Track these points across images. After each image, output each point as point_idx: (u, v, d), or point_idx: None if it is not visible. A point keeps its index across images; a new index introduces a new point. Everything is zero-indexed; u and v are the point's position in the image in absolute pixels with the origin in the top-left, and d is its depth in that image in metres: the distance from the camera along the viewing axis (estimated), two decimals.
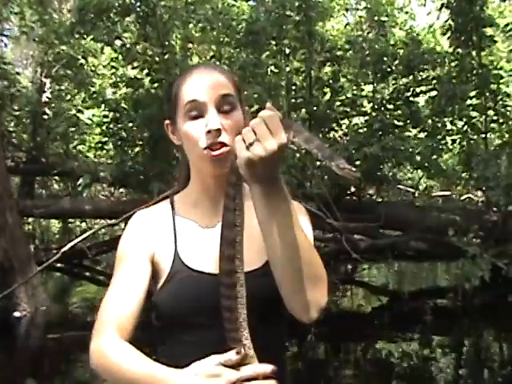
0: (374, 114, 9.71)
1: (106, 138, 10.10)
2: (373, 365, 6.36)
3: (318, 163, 9.32)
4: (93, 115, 11.90)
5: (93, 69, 11.67)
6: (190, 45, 10.41)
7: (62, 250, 6.91)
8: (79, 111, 11.15)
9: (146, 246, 1.51)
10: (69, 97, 11.66)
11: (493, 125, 10.24)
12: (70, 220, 13.30)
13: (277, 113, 1.22)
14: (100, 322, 1.44)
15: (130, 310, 1.44)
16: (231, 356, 1.24)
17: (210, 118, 1.42)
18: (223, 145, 1.43)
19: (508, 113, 10.28)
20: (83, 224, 13.29)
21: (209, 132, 1.42)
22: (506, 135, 10.13)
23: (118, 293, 1.46)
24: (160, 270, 1.50)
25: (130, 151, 9.53)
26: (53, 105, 11.52)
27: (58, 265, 10.50)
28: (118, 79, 10.22)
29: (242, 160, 1.21)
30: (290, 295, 1.33)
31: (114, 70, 10.46)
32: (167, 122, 1.58)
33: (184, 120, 1.47)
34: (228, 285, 1.29)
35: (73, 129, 10.91)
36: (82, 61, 10.70)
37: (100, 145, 10.54)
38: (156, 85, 8.88)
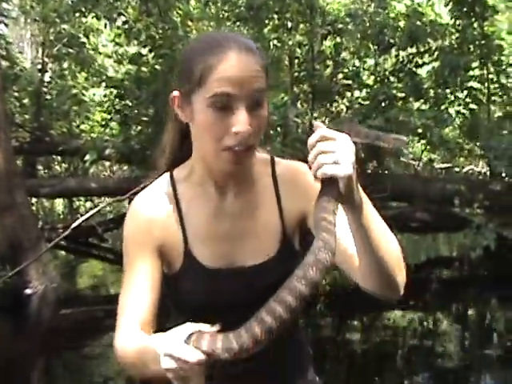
0: (376, 86, 9.72)
1: (111, 115, 10.10)
2: (380, 334, 6.44)
3: None
4: (93, 94, 11.91)
5: (94, 47, 11.64)
6: (190, 22, 10.36)
7: (72, 225, 6.97)
8: (84, 88, 11.15)
9: (153, 238, 1.45)
10: (71, 76, 11.62)
11: (494, 97, 10.28)
12: (75, 200, 13.34)
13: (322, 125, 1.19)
14: (119, 318, 1.45)
15: (146, 304, 1.43)
16: (207, 329, 1.18)
17: (241, 119, 1.28)
18: (248, 147, 1.33)
19: (510, 84, 10.31)
20: (88, 204, 13.33)
21: (236, 133, 1.30)
22: (508, 107, 10.17)
23: (133, 289, 1.45)
24: (171, 260, 1.47)
25: (134, 128, 9.55)
26: (56, 83, 11.51)
27: (65, 243, 10.55)
28: (121, 57, 10.22)
29: (347, 178, 1.14)
30: (385, 281, 1.32)
31: (116, 48, 10.44)
32: (175, 94, 1.39)
33: (206, 107, 1.31)
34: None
35: (76, 108, 10.91)
36: (84, 39, 10.68)
37: (104, 122, 10.55)
38: (160, 60, 8.86)
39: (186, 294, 1.45)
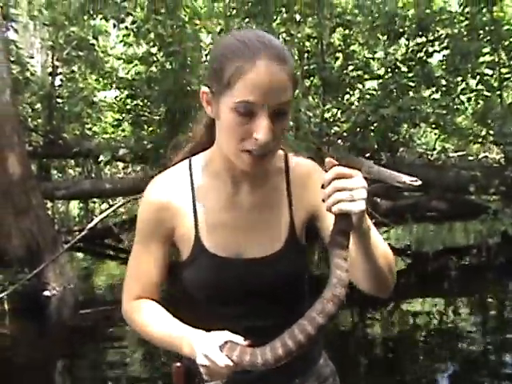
0: (387, 76, 9.69)
1: (123, 115, 10.14)
2: (400, 323, 6.44)
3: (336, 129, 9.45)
4: (105, 97, 11.96)
5: (104, 49, 11.68)
6: (198, 21, 10.37)
7: (88, 226, 7.01)
8: (95, 89, 11.19)
9: (164, 224, 1.53)
10: (82, 78, 11.67)
11: (506, 83, 10.22)
12: (90, 203, 13.40)
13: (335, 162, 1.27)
14: (127, 286, 1.62)
15: (153, 280, 1.58)
16: (240, 341, 1.35)
17: (262, 128, 1.32)
18: (267, 153, 1.39)
19: None
20: (103, 206, 13.38)
21: (256, 139, 1.34)
22: None
23: (141, 264, 1.57)
24: (181, 247, 1.55)
25: (147, 127, 9.58)
26: (67, 86, 11.55)
27: (82, 245, 10.60)
28: (130, 57, 10.26)
29: (361, 213, 1.25)
30: (379, 287, 1.46)
31: (125, 48, 10.47)
32: (205, 89, 1.43)
33: (231, 110, 1.34)
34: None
35: (88, 109, 10.94)
36: (93, 41, 10.71)
37: (116, 122, 10.60)
38: (170, 59, 8.87)
39: (193, 281, 1.52)
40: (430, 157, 11.13)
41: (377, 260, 1.39)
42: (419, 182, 1.30)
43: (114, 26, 9.52)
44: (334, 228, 1.30)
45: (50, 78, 11.82)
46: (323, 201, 1.25)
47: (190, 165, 1.56)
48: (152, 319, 1.53)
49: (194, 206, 1.51)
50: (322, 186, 1.26)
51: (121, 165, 14.18)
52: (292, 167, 1.58)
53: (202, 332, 1.40)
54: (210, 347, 1.34)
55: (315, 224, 1.56)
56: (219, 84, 1.36)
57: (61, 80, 12.01)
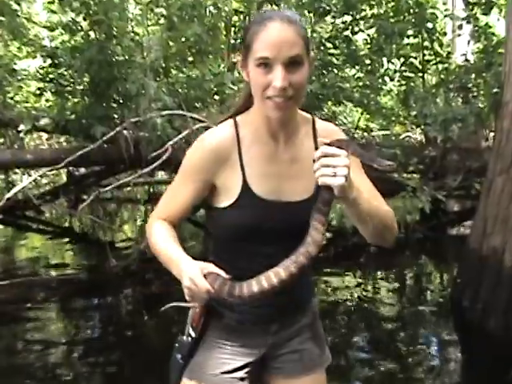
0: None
1: (46, 85, 9.89)
2: (319, 296, 6.56)
3: None
4: (28, 66, 11.62)
5: (27, 16, 11.31)
6: None
7: (6, 196, 6.87)
8: (15, 56, 10.84)
9: (210, 169, 1.80)
10: (3, 45, 11.26)
11: (429, 65, 10.45)
12: (12, 174, 13.04)
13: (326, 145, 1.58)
14: (158, 206, 1.95)
15: (178, 210, 1.90)
16: (222, 274, 1.65)
17: (277, 76, 1.63)
18: (287, 98, 1.66)
19: (443, 52, 10.50)
20: (25, 177, 13.04)
21: (274, 87, 1.64)
22: (442, 74, 10.34)
23: (175, 194, 1.90)
24: (224, 193, 1.82)
25: (70, 97, 9.38)
26: None
27: (1, 217, 10.37)
28: (55, 25, 9.99)
29: (340, 187, 1.53)
30: (379, 242, 1.78)
31: (49, 16, 10.18)
32: (239, 58, 1.79)
33: (254, 66, 1.67)
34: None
35: (9, 78, 10.56)
36: (16, 6, 10.35)
37: (39, 91, 10.34)
38: (95, 28, 8.66)
39: (241, 221, 1.80)
40: (354, 135, 11.29)
41: (373, 223, 1.68)
42: (392, 163, 1.48)
43: None
44: (318, 197, 1.61)
45: None
46: (314, 172, 1.54)
47: (236, 122, 1.84)
48: (163, 239, 1.84)
49: (241, 157, 1.80)
50: (314, 161, 1.54)
51: (45, 136, 13.88)
52: (318, 127, 1.90)
53: (191, 259, 1.70)
54: (196, 273, 1.62)
55: None
56: (245, 48, 1.71)
57: None
